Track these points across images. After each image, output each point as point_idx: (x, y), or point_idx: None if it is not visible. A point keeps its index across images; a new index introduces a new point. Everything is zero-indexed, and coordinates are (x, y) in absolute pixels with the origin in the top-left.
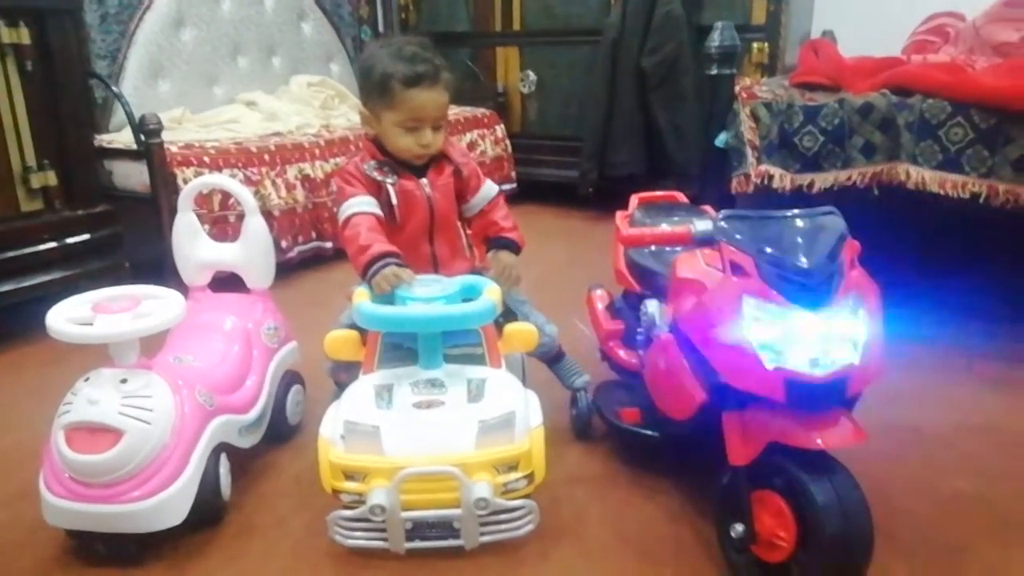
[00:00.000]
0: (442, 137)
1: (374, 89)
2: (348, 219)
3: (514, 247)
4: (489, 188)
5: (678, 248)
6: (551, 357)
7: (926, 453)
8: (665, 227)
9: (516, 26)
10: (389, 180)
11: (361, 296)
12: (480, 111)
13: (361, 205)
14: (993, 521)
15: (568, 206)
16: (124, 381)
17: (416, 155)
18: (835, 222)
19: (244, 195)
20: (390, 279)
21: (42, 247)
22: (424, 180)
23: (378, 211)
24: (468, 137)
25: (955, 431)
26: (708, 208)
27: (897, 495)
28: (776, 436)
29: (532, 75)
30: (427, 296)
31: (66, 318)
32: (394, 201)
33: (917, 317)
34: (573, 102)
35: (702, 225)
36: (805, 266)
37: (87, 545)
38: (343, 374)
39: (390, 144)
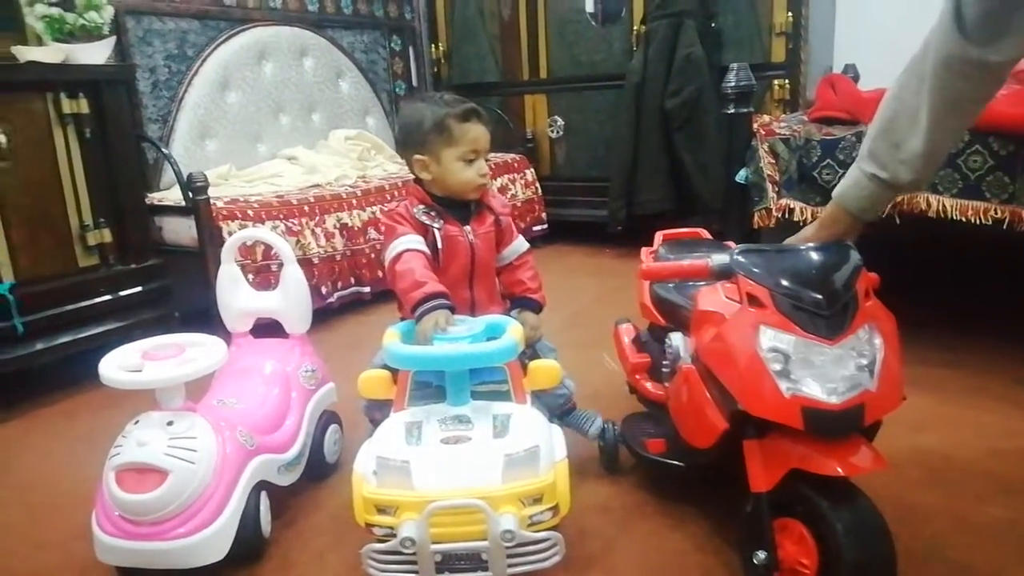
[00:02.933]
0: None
1: (431, 132)
2: (400, 254)
3: (537, 307)
4: (520, 243)
5: (701, 283)
6: (564, 411)
7: (957, 479)
8: (684, 262)
9: (543, 74)
10: (436, 225)
11: (391, 337)
12: (510, 156)
13: (413, 242)
14: None
15: (598, 244)
16: (170, 423)
17: (476, 187)
18: (849, 254)
19: (281, 246)
20: (430, 325)
21: (97, 300)
22: (468, 227)
23: (427, 250)
24: (499, 181)
25: (986, 457)
26: (731, 244)
27: (928, 522)
28: (796, 463)
29: (560, 120)
30: (453, 336)
31: (117, 365)
32: (439, 245)
33: (944, 343)
34: (600, 144)
35: (719, 259)
36: (820, 297)
37: None
38: (377, 413)
39: (451, 180)
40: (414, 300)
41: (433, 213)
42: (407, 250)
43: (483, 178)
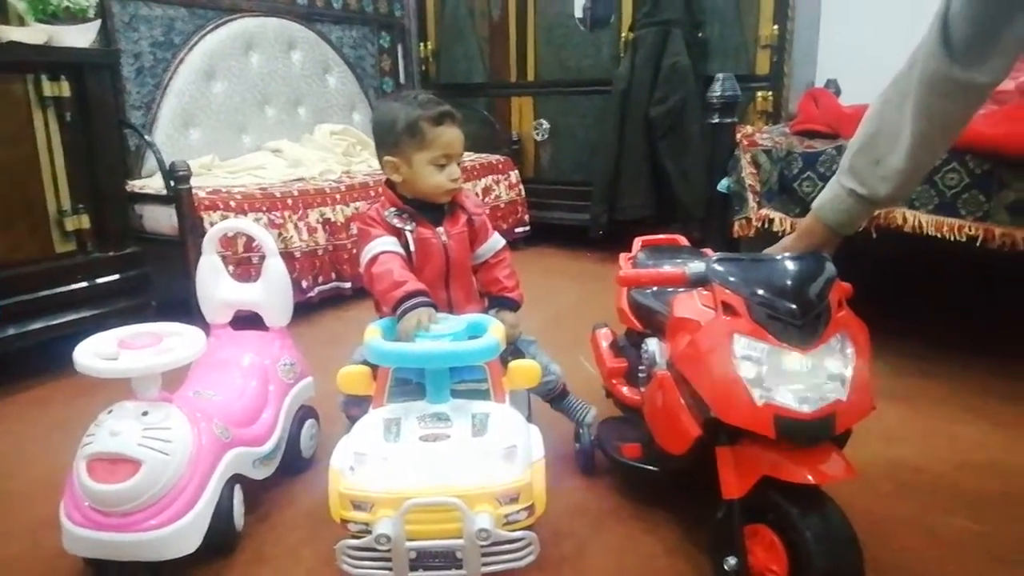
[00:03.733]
0: (460, 175)
1: (403, 135)
2: (376, 256)
3: (514, 306)
4: (496, 241)
5: (680, 289)
6: (555, 396)
7: (926, 491)
8: (661, 269)
9: (530, 77)
10: (408, 227)
11: (372, 333)
12: (495, 157)
13: (388, 244)
14: (992, 560)
15: (579, 248)
16: (145, 413)
17: (447, 191)
18: (824, 265)
19: (263, 237)
20: (412, 323)
21: (74, 287)
22: (440, 228)
23: (402, 252)
24: (483, 182)
25: (956, 469)
26: (709, 251)
27: (896, 533)
28: (767, 471)
29: (545, 123)
30: (435, 333)
31: (92, 353)
32: (412, 247)
33: (918, 355)
34: (585, 149)
35: (695, 267)
36: (793, 307)
37: (104, 574)
38: (355, 409)
39: (422, 184)
40: (395, 299)
41: (405, 215)
42: (383, 252)
43: (454, 183)
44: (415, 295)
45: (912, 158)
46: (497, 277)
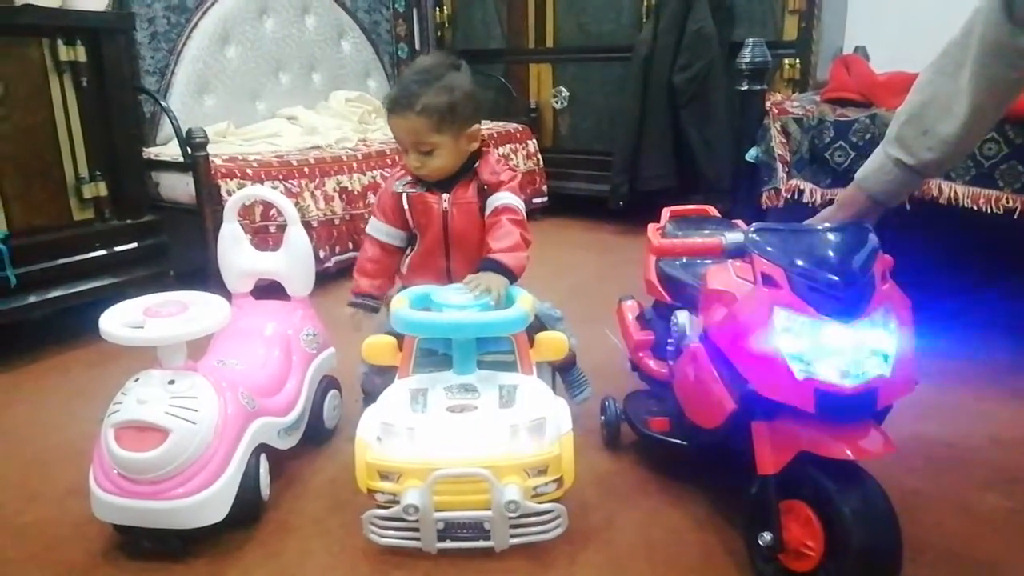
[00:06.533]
0: (438, 162)
1: None
2: (367, 235)
3: (495, 267)
4: (496, 197)
5: (707, 261)
6: (563, 365)
7: (959, 467)
8: (697, 239)
9: (549, 43)
10: (409, 190)
11: (399, 302)
12: (513, 126)
13: (373, 229)
14: None
15: (598, 219)
16: (172, 382)
17: (415, 174)
18: (867, 236)
19: (286, 206)
20: (347, 315)
21: (92, 255)
22: (445, 195)
23: (389, 239)
24: (500, 151)
25: (989, 446)
26: (739, 222)
27: (929, 509)
28: (805, 446)
29: (565, 91)
30: (462, 303)
31: (119, 321)
32: (405, 206)
33: (950, 332)
34: (605, 118)
35: (733, 237)
36: (836, 278)
37: (133, 540)
38: (376, 378)
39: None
40: (351, 291)
41: (414, 179)
42: (368, 236)
43: (415, 168)
44: (360, 295)
45: (966, 127)
46: (488, 240)
